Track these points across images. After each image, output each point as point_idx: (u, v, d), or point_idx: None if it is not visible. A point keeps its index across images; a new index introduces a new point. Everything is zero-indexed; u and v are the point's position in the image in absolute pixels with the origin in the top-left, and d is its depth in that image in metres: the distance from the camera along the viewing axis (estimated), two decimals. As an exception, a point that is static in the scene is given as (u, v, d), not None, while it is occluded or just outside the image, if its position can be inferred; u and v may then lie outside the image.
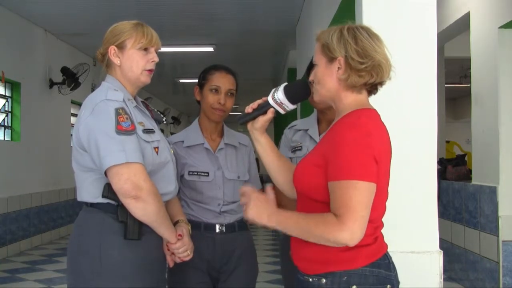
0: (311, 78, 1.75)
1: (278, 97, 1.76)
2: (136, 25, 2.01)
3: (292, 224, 1.60)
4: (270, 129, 23.88)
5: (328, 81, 1.68)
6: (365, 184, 1.52)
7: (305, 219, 1.58)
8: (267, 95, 1.81)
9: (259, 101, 1.82)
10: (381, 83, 1.70)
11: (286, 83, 1.81)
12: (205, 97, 2.45)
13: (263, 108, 1.80)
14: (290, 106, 1.77)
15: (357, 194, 1.51)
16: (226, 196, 2.43)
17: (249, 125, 1.86)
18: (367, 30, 1.66)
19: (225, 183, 2.43)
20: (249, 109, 1.83)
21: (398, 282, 1.67)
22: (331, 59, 1.65)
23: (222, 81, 2.44)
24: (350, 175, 1.52)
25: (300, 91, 1.79)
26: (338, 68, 1.65)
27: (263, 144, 1.88)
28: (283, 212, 1.63)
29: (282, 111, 1.79)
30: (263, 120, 1.82)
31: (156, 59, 2.03)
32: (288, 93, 1.75)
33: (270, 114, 1.81)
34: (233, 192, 2.45)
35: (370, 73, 1.63)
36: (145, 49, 2.00)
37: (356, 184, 1.51)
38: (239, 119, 1.87)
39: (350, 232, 1.49)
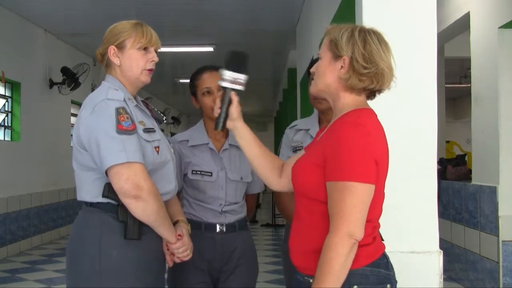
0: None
1: (226, 75, 1.78)
2: (135, 25, 2.01)
3: (328, 277, 1.51)
4: (270, 129, 23.72)
5: (328, 77, 1.68)
6: (362, 186, 1.52)
7: (321, 263, 1.53)
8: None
9: (218, 99, 1.83)
10: (380, 91, 1.70)
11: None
12: (202, 102, 2.45)
13: (225, 98, 1.81)
14: (241, 77, 1.79)
15: (352, 197, 1.51)
16: (228, 197, 2.43)
17: (229, 124, 1.84)
18: (378, 36, 1.66)
19: (227, 184, 2.43)
20: (217, 110, 1.82)
21: (396, 282, 1.67)
22: (337, 56, 1.66)
23: (210, 80, 2.44)
24: (348, 176, 1.52)
25: (239, 58, 1.82)
26: (341, 67, 1.65)
27: (246, 137, 1.86)
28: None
29: (239, 87, 1.80)
30: (234, 109, 1.82)
31: (156, 59, 2.03)
32: (231, 66, 1.79)
33: (234, 97, 1.81)
34: (235, 193, 2.46)
35: (371, 79, 1.64)
36: (145, 49, 2.00)
37: (352, 187, 1.52)
38: (217, 127, 1.83)
39: (347, 235, 1.50)
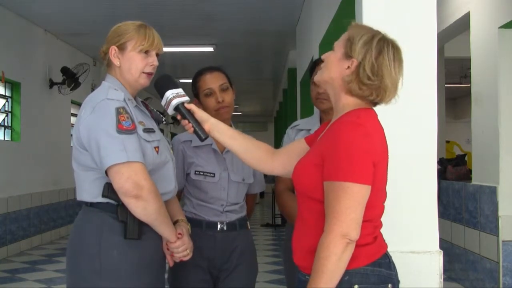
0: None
1: (169, 95, 1.95)
2: (138, 27, 2.00)
3: (321, 277, 1.52)
4: (270, 129, 23.61)
5: (334, 71, 1.68)
6: (358, 187, 1.52)
7: (314, 263, 1.54)
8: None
9: (183, 120, 1.96)
10: (379, 103, 1.70)
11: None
12: (205, 104, 2.45)
13: (184, 113, 1.95)
14: (179, 90, 1.98)
15: (347, 197, 1.51)
16: (229, 198, 2.44)
17: (206, 127, 1.94)
18: (395, 51, 1.64)
19: (229, 185, 2.44)
20: (189, 127, 1.95)
21: (398, 281, 1.67)
22: (348, 56, 1.65)
23: (210, 81, 2.45)
24: (344, 176, 1.52)
25: (166, 79, 2.00)
26: (348, 67, 1.64)
27: (224, 130, 1.94)
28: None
29: (185, 98, 1.96)
30: (199, 114, 1.95)
31: (156, 63, 2.02)
32: (166, 88, 1.97)
33: (190, 106, 1.95)
34: (236, 194, 2.47)
35: (371, 91, 1.63)
36: (146, 52, 2.00)
37: (348, 187, 1.52)
38: (201, 138, 1.96)
39: (341, 235, 1.51)
